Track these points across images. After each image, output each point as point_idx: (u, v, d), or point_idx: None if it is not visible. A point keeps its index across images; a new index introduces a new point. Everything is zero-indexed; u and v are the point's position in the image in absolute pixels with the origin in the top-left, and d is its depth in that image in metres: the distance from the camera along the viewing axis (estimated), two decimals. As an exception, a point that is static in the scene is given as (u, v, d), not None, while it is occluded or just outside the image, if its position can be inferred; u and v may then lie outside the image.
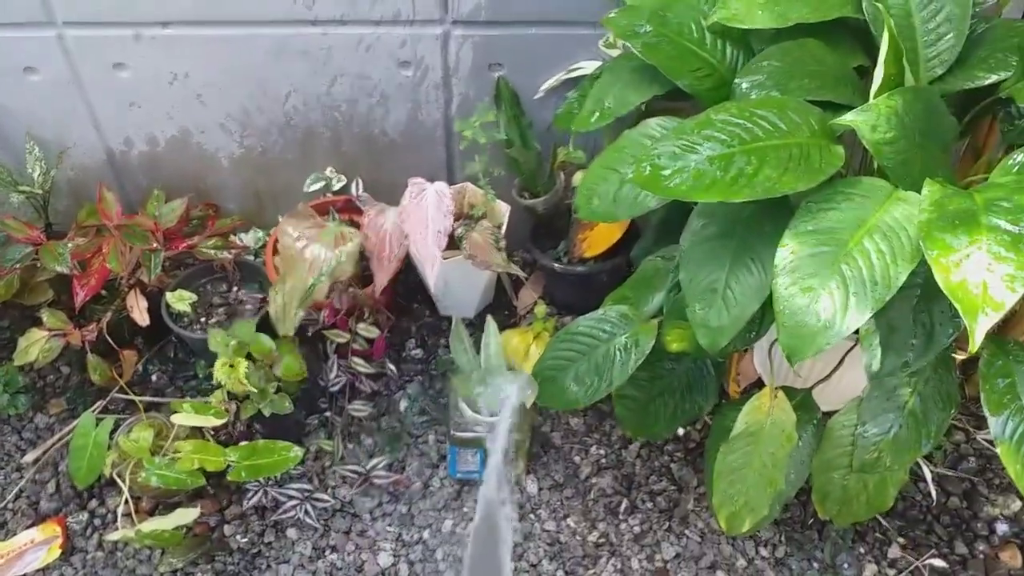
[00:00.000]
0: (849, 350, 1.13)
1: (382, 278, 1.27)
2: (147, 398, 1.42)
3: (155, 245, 1.37)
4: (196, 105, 1.41)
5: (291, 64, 1.35)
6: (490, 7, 1.28)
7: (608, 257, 1.45)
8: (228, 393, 1.26)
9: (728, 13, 1.01)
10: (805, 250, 0.82)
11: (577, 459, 1.39)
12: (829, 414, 1.11)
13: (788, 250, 0.82)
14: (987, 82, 0.97)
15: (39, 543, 1.29)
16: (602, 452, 1.40)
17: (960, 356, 1.12)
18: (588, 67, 1.35)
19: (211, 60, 1.34)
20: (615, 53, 1.30)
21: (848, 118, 0.81)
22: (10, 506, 1.34)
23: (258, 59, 1.34)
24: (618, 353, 1.08)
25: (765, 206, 0.91)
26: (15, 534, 1.30)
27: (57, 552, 1.28)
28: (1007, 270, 0.72)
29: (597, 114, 1.13)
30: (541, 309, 1.46)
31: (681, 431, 1.42)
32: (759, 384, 1.43)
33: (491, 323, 1.26)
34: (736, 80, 0.95)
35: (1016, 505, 1.33)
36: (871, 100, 0.85)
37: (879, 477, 1.03)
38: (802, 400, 1.10)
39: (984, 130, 1.20)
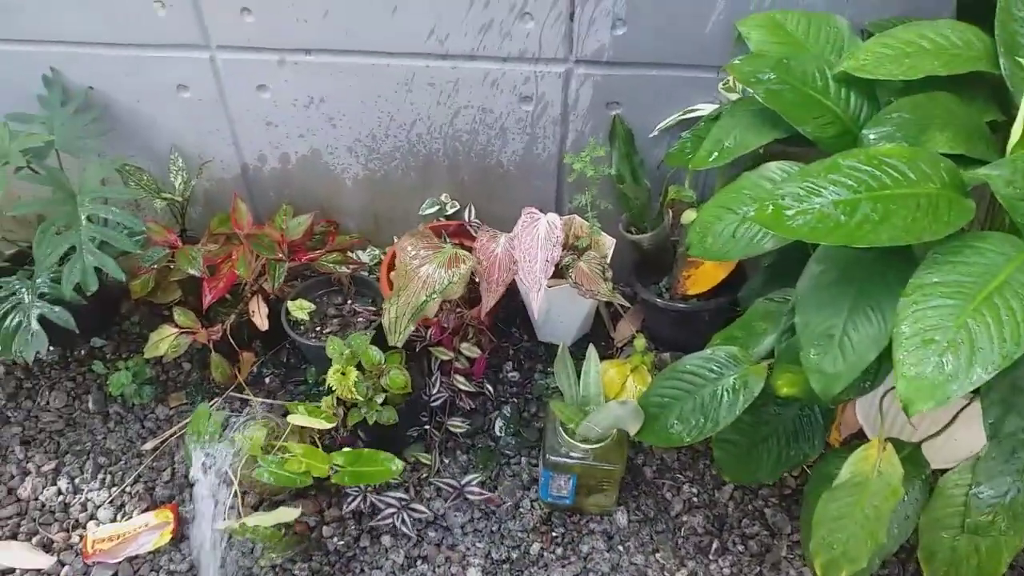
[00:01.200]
0: (963, 408, 1.10)
1: (490, 300, 1.32)
2: (260, 399, 1.51)
3: (280, 256, 1.46)
4: (328, 128, 1.50)
5: (420, 94, 1.42)
6: (614, 48, 1.33)
7: (711, 296, 1.46)
8: (337, 399, 1.33)
9: (856, 63, 1.02)
10: (930, 301, 0.82)
11: (669, 495, 1.39)
12: (937, 471, 1.08)
13: (911, 300, 0.82)
14: None
15: (153, 527, 1.37)
16: (695, 491, 1.40)
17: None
18: (705, 109, 1.38)
19: (346, 86, 1.43)
20: (734, 97, 1.32)
21: (983, 172, 0.81)
22: (128, 490, 1.44)
23: (390, 88, 1.42)
24: (726, 394, 1.08)
25: (887, 254, 0.91)
26: (131, 517, 1.39)
27: (168, 537, 1.36)
28: None
29: (716, 154, 1.16)
30: (640, 342, 1.47)
31: (776, 477, 1.41)
32: (860, 435, 1.40)
33: (592, 352, 1.29)
34: (864, 131, 0.96)
35: None
36: (1007, 155, 0.85)
37: (992, 541, 1.00)
38: (910, 454, 1.07)
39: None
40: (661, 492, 1.40)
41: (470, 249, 1.40)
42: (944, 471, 1.28)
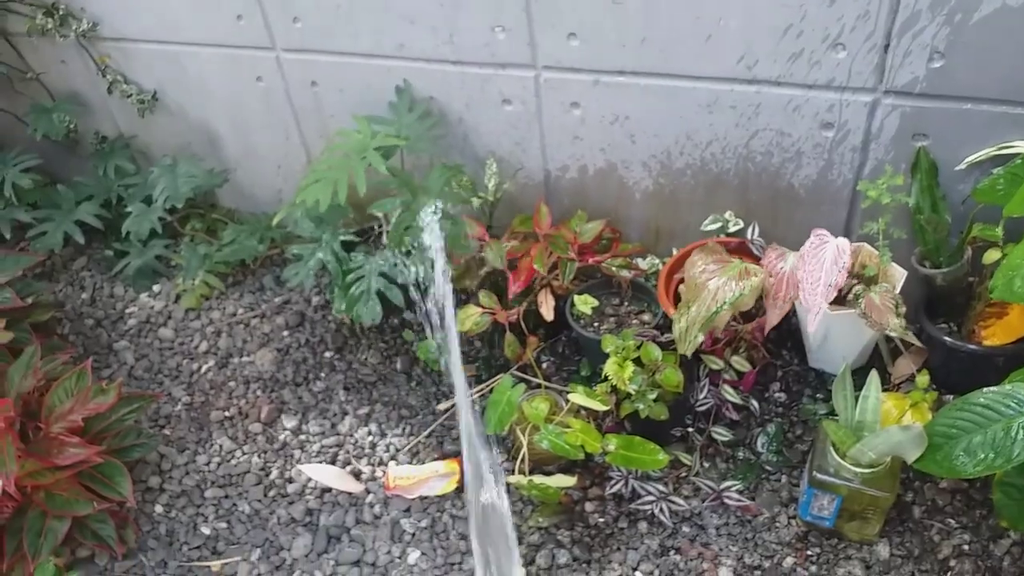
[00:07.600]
0: None
1: (774, 316, 1.37)
2: (540, 380, 1.68)
3: (572, 255, 1.63)
4: (628, 143, 1.64)
5: (719, 116, 1.52)
6: (928, 81, 1.33)
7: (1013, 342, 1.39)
8: (612, 387, 1.45)
9: None
10: None
11: (936, 537, 1.35)
12: None
13: None
14: None
15: (441, 475, 1.58)
16: (967, 538, 1.34)
17: None
18: (1021, 146, 1.33)
19: (652, 106, 1.56)
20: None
21: None
22: (423, 440, 1.67)
23: (692, 109, 1.53)
24: (1021, 431, 1.05)
25: None
26: (423, 463, 1.62)
27: (453, 486, 1.56)
28: None
29: None
30: (923, 379, 1.44)
31: (1068, 543, 1.31)
32: None
33: (875, 377, 1.29)
34: None
35: None
36: None
37: None
38: None
39: None
40: (928, 533, 1.36)
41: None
42: None
